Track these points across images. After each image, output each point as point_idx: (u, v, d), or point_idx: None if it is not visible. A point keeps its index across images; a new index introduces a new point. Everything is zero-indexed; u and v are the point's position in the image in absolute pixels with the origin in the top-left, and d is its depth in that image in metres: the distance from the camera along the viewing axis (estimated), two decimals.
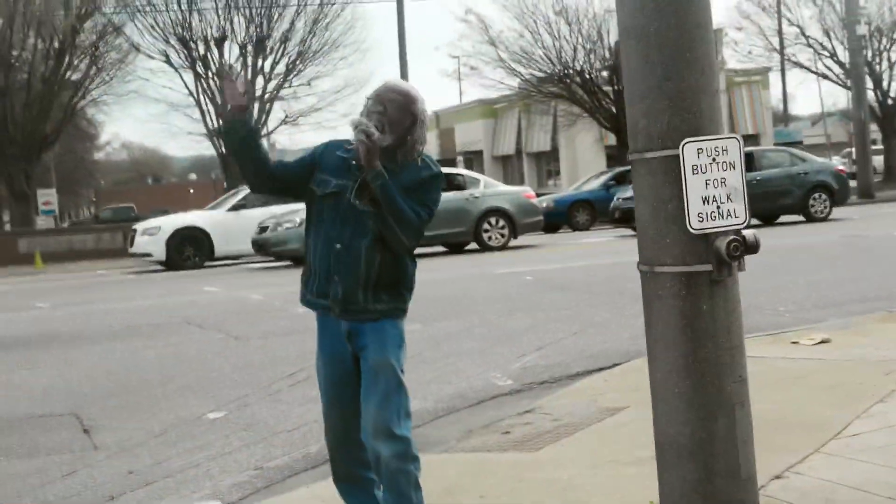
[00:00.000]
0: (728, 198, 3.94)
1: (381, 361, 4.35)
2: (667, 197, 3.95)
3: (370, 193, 4.28)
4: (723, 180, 3.93)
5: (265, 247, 23.70)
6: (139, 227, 27.86)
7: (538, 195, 30.25)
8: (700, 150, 3.90)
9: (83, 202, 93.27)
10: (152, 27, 43.86)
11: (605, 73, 42.25)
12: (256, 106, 44.55)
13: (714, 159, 3.92)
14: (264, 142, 4.45)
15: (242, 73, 4.64)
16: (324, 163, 4.46)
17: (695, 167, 3.90)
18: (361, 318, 4.37)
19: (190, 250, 26.49)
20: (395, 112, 4.35)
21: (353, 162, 4.34)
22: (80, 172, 77.65)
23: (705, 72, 3.97)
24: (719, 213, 3.93)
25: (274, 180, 4.47)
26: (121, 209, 65.12)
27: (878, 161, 46.85)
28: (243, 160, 4.41)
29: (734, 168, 3.95)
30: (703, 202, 3.91)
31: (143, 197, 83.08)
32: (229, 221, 26.51)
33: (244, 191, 28.63)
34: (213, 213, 27.73)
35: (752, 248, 3.97)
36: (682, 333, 3.95)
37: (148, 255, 26.87)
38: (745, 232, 3.95)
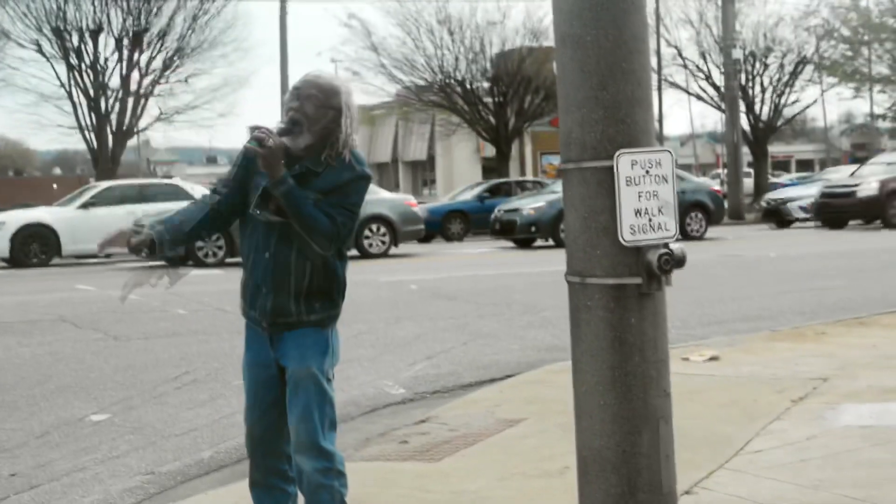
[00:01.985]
0: (660, 210, 3.92)
1: (301, 372, 4.13)
2: (599, 208, 3.89)
3: (276, 202, 4.01)
4: (655, 193, 3.90)
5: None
6: None
7: None
8: (634, 162, 3.86)
9: None
10: (25, 15, 42.51)
11: (486, 85, 42.52)
12: (131, 101, 43.58)
13: (647, 171, 3.89)
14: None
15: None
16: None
17: (629, 179, 3.86)
18: (293, 329, 4.16)
19: (36, 247, 25.48)
20: (312, 108, 4.06)
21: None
22: None
23: (641, 83, 3.93)
24: (651, 226, 3.90)
25: (226, 221, 4.25)
26: None
27: (748, 183, 47.97)
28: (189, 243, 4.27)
29: (667, 181, 3.92)
30: (636, 214, 3.87)
31: (5, 190, 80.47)
32: (79, 219, 25.54)
33: (95, 188, 27.85)
34: (61, 209, 26.72)
35: (680, 261, 3.96)
36: (611, 346, 3.90)
37: None
38: (673, 245, 3.93)
